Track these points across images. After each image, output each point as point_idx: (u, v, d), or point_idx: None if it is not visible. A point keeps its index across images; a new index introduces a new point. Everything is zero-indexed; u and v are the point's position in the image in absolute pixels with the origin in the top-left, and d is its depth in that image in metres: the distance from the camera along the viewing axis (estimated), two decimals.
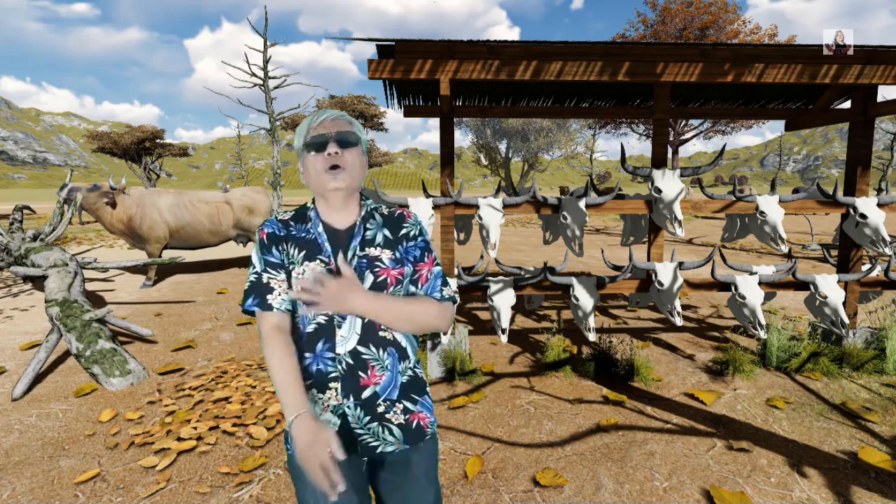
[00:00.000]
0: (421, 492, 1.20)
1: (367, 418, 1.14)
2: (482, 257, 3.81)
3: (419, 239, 1.24)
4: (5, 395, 3.28)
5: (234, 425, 2.82)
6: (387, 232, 1.21)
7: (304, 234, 1.18)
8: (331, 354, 1.13)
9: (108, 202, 6.32)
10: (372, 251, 1.17)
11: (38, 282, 6.50)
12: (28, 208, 7.00)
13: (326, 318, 1.14)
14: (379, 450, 1.16)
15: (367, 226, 1.20)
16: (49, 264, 4.69)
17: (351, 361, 1.13)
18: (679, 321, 3.34)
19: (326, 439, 1.01)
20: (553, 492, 2.22)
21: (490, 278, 3.54)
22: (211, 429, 2.79)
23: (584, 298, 3.36)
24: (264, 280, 1.18)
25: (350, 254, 1.16)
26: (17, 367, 3.80)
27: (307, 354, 1.15)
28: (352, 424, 1.14)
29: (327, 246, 1.16)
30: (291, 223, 1.20)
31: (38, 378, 3.52)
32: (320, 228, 1.18)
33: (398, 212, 1.25)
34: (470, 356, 3.52)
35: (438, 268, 1.25)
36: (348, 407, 1.13)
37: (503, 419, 2.88)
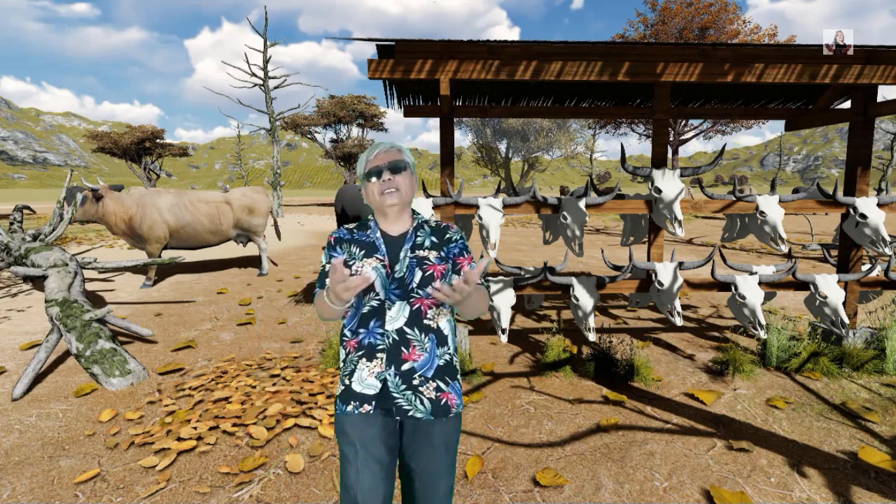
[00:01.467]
0: (438, 458, 1.40)
1: (404, 386, 1.38)
2: (482, 257, 3.81)
3: (459, 241, 1.52)
4: (5, 395, 3.28)
5: (234, 425, 2.82)
6: (434, 238, 1.48)
7: (364, 238, 1.47)
8: (381, 330, 1.39)
9: (97, 199, 6.29)
10: (421, 252, 1.44)
11: (38, 282, 6.51)
12: (28, 208, 7.00)
13: (379, 302, 1.40)
14: (409, 413, 1.38)
15: (418, 234, 1.48)
16: (49, 264, 4.69)
17: (397, 338, 1.38)
18: (679, 321, 3.34)
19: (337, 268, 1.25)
20: (553, 492, 2.22)
21: (490, 278, 3.54)
22: (211, 429, 2.79)
23: (584, 298, 3.36)
24: (328, 270, 1.45)
25: (402, 254, 1.43)
26: (17, 367, 3.80)
27: (361, 330, 1.41)
28: (391, 389, 1.37)
29: (383, 248, 1.44)
30: (355, 230, 1.50)
31: (38, 378, 3.52)
32: (378, 234, 1.47)
33: (444, 224, 1.54)
34: (470, 356, 3.52)
35: (475, 264, 1.47)
36: (389, 375, 1.37)
37: (503, 419, 2.88)
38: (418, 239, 1.46)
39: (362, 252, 1.43)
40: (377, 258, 1.42)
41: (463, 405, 1.48)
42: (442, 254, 1.45)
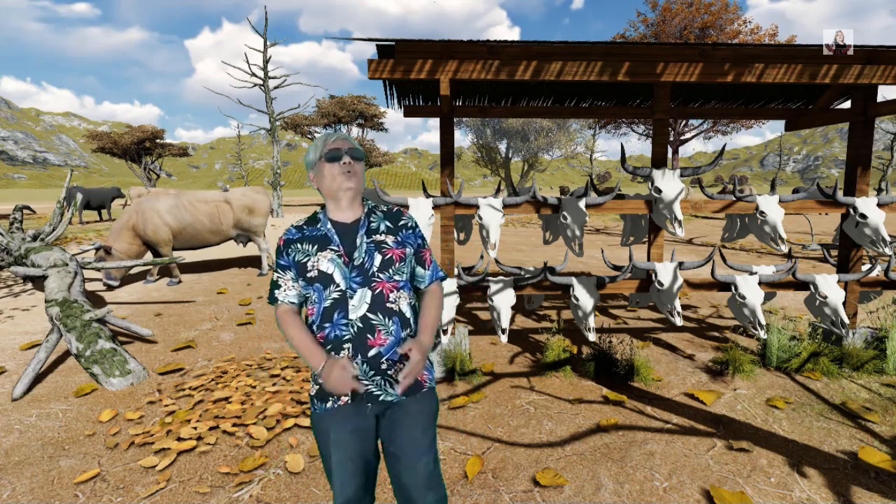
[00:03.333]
0: (413, 438, 1.42)
1: (372, 372, 1.39)
2: (482, 257, 3.81)
3: (417, 230, 1.55)
4: (5, 395, 3.28)
5: (234, 425, 2.82)
6: (388, 223, 1.50)
7: (315, 232, 1.46)
8: (344, 321, 1.39)
9: (109, 252, 6.39)
10: (377, 237, 1.45)
11: (38, 282, 6.50)
12: (28, 208, 6.99)
13: (340, 293, 1.40)
14: (381, 398, 1.41)
15: (371, 219, 1.49)
16: (49, 264, 4.69)
17: (361, 325, 1.38)
18: (679, 321, 3.34)
19: (345, 365, 1.34)
20: (553, 492, 2.22)
21: (490, 278, 3.53)
22: (211, 429, 2.79)
23: (584, 298, 3.36)
24: (275, 279, 1.50)
25: (359, 240, 1.44)
26: (17, 367, 3.80)
27: (326, 325, 1.40)
28: (360, 378, 1.38)
29: (336, 238, 1.44)
30: (305, 227, 1.48)
31: (38, 378, 3.52)
32: (329, 225, 1.46)
33: (395, 209, 1.56)
34: (470, 356, 3.52)
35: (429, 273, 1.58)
36: (357, 363, 1.38)
37: (503, 419, 2.88)
38: (372, 224, 1.47)
39: (315, 247, 1.43)
40: (331, 250, 1.42)
41: (435, 381, 1.52)
42: (399, 238, 1.47)
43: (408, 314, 1.46)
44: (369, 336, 1.38)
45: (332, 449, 1.39)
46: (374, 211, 1.51)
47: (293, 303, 1.48)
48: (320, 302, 1.41)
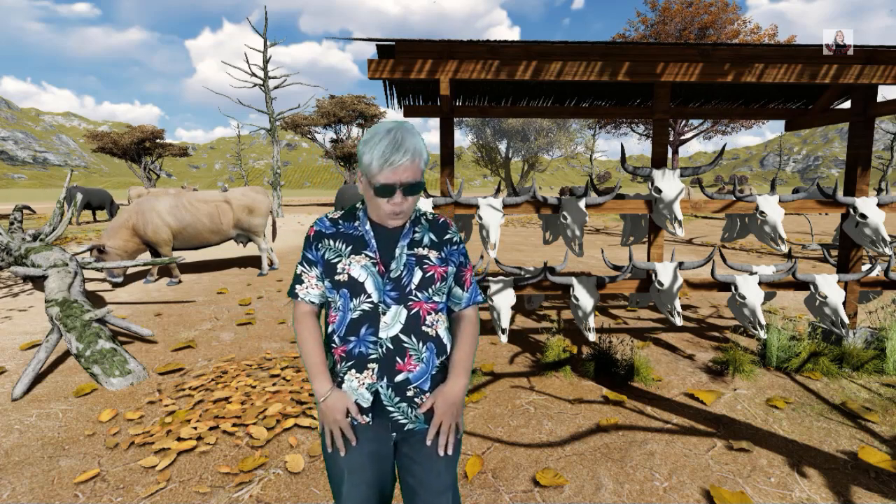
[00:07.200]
0: (435, 473, 1.29)
1: (398, 399, 1.26)
2: (482, 257, 3.81)
3: (461, 246, 1.39)
4: (5, 395, 3.28)
5: (234, 425, 2.82)
6: (433, 235, 1.33)
7: (351, 231, 1.29)
8: (373, 338, 1.24)
9: (103, 252, 6.37)
10: (420, 251, 1.29)
11: (38, 282, 6.51)
12: (28, 208, 7.00)
13: (371, 306, 1.24)
14: (406, 427, 1.28)
15: (416, 229, 1.32)
16: (49, 264, 4.69)
17: (391, 346, 1.24)
18: (679, 321, 3.34)
19: (346, 405, 1.25)
20: (553, 492, 2.22)
21: (490, 278, 3.53)
22: (211, 429, 2.79)
23: (584, 298, 3.36)
24: (299, 272, 1.34)
25: (399, 251, 1.27)
26: (17, 367, 3.80)
27: (351, 338, 1.25)
28: (384, 402, 1.26)
29: (374, 242, 1.27)
30: (340, 221, 1.31)
31: (38, 378, 3.52)
32: (368, 226, 1.29)
33: (442, 219, 1.38)
34: None
35: (473, 273, 1.45)
36: (381, 386, 1.25)
37: (503, 419, 2.88)
38: (416, 234, 1.30)
39: (349, 248, 1.26)
40: (367, 255, 1.26)
41: (462, 415, 1.38)
42: (442, 254, 1.31)
43: (445, 340, 1.31)
44: (398, 359, 1.23)
45: (345, 472, 1.27)
46: (419, 220, 1.33)
47: (314, 303, 1.34)
48: (346, 311, 1.25)
